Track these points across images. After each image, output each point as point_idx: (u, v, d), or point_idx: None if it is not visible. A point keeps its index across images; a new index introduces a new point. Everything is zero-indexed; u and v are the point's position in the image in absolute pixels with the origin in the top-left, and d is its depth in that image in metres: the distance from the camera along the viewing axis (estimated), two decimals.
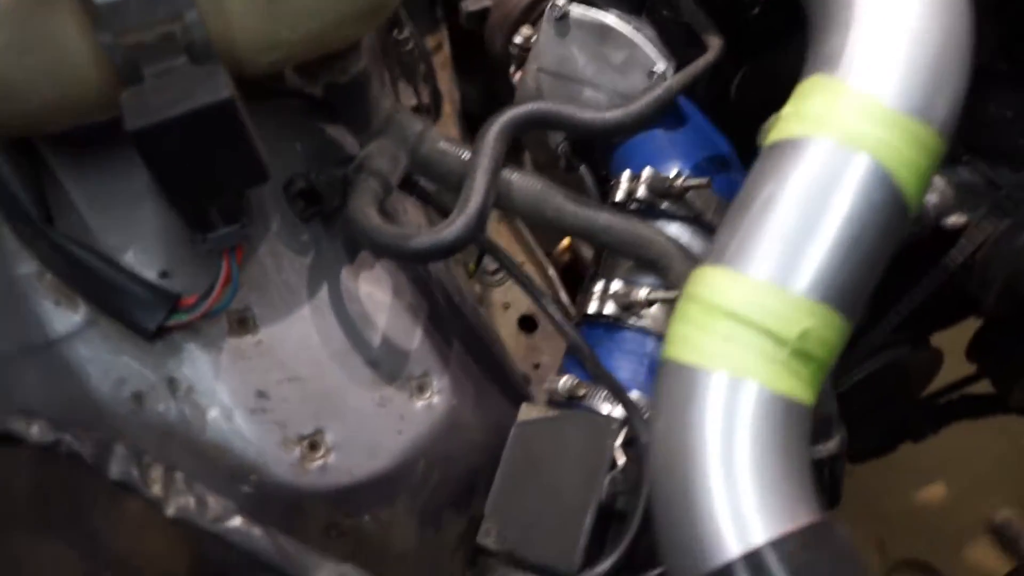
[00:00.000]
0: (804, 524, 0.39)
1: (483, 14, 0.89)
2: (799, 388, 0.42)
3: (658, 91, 0.62)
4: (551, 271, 0.91)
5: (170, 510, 0.47)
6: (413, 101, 1.21)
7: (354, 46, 0.58)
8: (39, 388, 0.53)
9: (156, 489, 0.48)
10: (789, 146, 0.44)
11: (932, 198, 0.73)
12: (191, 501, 0.48)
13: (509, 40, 0.82)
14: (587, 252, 0.90)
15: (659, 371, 0.45)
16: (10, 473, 0.53)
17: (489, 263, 0.98)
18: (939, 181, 0.73)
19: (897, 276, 0.82)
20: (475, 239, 0.57)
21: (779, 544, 0.38)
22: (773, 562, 0.38)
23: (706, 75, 0.66)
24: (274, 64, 0.52)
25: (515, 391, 0.70)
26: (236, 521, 0.47)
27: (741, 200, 0.45)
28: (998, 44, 0.63)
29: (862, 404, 0.87)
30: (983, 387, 0.99)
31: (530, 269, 0.98)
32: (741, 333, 0.41)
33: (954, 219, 0.73)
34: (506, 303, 0.95)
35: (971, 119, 0.70)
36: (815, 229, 0.42)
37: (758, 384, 0.41)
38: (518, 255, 0.99)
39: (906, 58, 0.43)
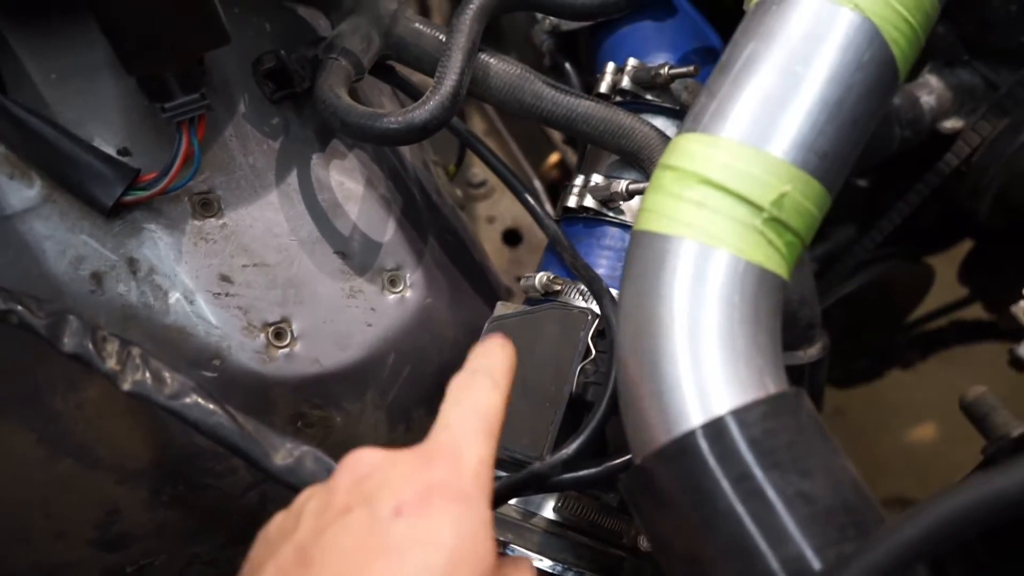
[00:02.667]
0: (768, 394, 0.37)
1: None
2: (773, 258, 0.40)
3: None
4: (536, 183, 0.89)
5: (126, 385, 0.46)
6: None
7: None
8: None
9: (112, 363, 0.46)
10: (774, 2, 0.41)
11: (929, 100, 0.70)
12: (148, 376, 0.46)
13: None
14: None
15: (630, 246, 0.43)
16: None
17: (474, 176, 0.96)
18: (936, 82, 0.70)
19: (891, 187, 0.80)
20: (449, 120, 0.54)
21: (740, 413, 0.37)
22: (733, 430, 0.36)
23: None
24: None
25: (493, 293, 0.69)
26: (194, 398, 0.46)
27: (721, 64, 0.42)
28: None
29: (849, 322, 0.85)
30: (974, 313, 0.97)
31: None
32: (714, 199, 0.39)
33: (951, 123, 0.71)
34: (491, 216, 0.93)
35: (973, 17, 0.68)
36: (797, 88, 0.40)
37: (730, 252, 0.39)
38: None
39: None
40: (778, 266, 0.40)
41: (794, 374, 0.66)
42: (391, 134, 0.53)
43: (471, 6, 0.56)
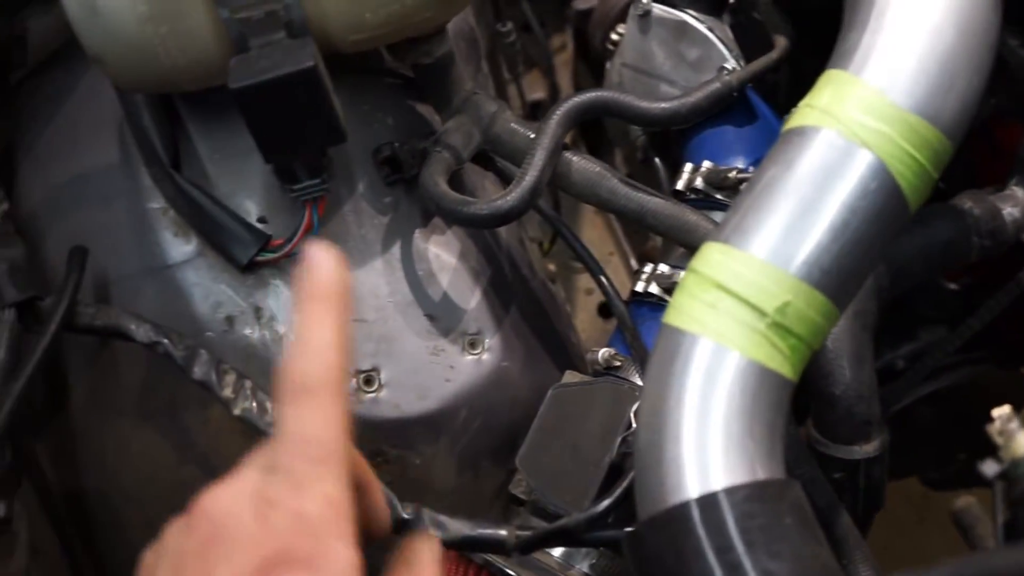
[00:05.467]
0: (755, 480, 0.42)
1: (589, 13, 0.95)
2: (776, 359, 0.44)
3: (715, 84, 0.65)
4: (632, 261, 0.95)
5: (236, 410, 0.56)
6: (539, 94, 1.28)
7: (439, 31, 0.65)
8: (153, 304, 0.63)
9: (228, 391, 0.57)
10: (797, 134, 0.47)
11: (1013, 212, 0.71)
12: (254, 405, 0.56)
13: (607, 37, 0.88)
14: None
15: (658, 335, 0.49)
16: (126, 366, 0.64)
17: None
18: (1022, 195, 0.71)
19: (987, 290, 0.80)
20: (528, 209, 0.62)
21: (732, 492, 0.41)
22: (724, 506, 0.41)
23: (777, 72, 0.69)
24: (360, 43, 0.60)
25: (568, 361, 0.75)
26: None
27: (749, 183, 0.48)
28: None
29: (934, 422, 0.85)
30: None
31: (618, 259, 1.02)
32: (725, 303, 0.45)
33: None
34: (589, 289, 1.00)
35: None
36: (807, 212, 0.44)
37: (735, 351, 0.44)
38: (608, 246, 1.03)
39: (916, 57, 0.45)
40: (780, 366, 0.45)
41: (849, 468, 0.68)
42: (477, 219, 0.62)
43: (557, 112, 0.65)
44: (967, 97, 0.46)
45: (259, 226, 0.64)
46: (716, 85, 0.65)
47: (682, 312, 0.47)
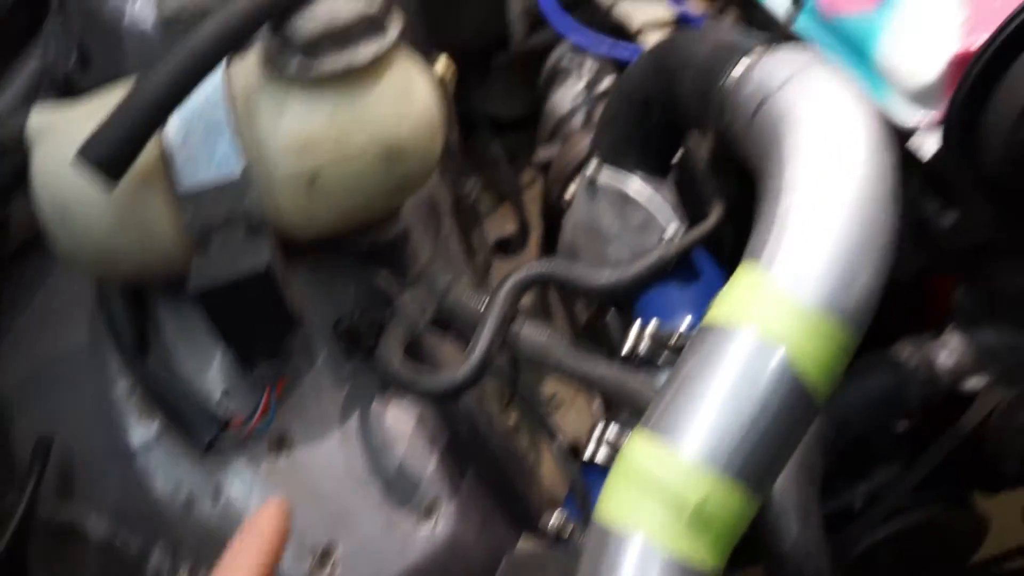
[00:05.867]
0: None
1: (549, 165, 1.00)
2: (699, 552, 0.46)
3: (654, 258, 0.69)
4: (596, 405, 0.97)
5: None
6: (510, 228, 1.32)
7: (393, 214, 0.69)
8: (116, 488, 0.65)
9: None
10: (708, 330, 0.50)
11: (947, 362, 0.74)
12: None
13: (562, 193, 0.93)
14: None
15: (588, 531, 0.50)
16: (85, 557, 0.65)
17: (546, 393, 1.05)
18: (956, 343, 0.74)
19: (939, 427, 0.82)
20: (478, 381, 0.65)
21: None
22: None
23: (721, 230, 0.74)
24: (319, 234, 0.64)
25: (527, 519, 0.76)
26: None
27: (672, 374, 0.51)
28: (993, 222, 0.65)
29: (897, 563, 0.85)
30: None
31: (582, 400, 1.04)
32: (647, 499, 0.47)
33: (972, 383, 0.74)
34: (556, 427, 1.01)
35: (987, 292, 0.73)
36: (722, 408, 0.47)
37: (659, 547, 0.46)
38: (573, 387, 1.05)
39: (820, 256, 0.49)
40: (704, 559, 0.46)
41: None
42: (429, 395, 0.64)
43: (503, 288, 0.68)
44: (871, 287, 0.49)
45: (223, 401, 0.66)
46: (654, 258, 0.69)
47: (609, 505, 0.49)
